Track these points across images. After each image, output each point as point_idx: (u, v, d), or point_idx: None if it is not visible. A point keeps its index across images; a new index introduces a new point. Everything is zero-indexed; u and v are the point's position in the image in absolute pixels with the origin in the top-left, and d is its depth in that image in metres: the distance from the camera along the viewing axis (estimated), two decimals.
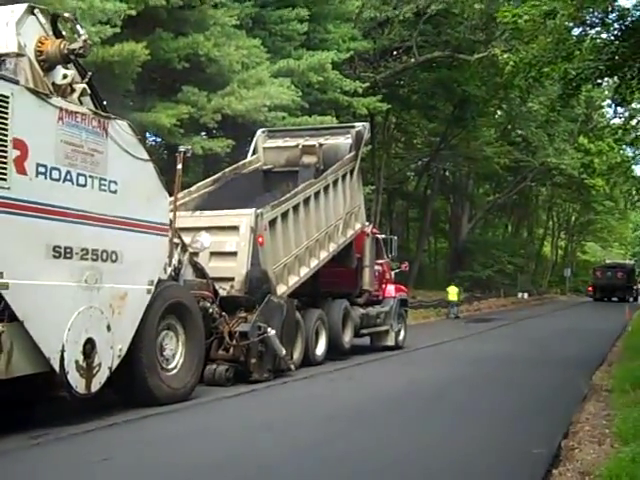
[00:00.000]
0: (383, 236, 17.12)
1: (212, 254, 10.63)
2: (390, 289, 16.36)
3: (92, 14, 15.15)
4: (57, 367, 7.12)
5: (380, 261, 15.79)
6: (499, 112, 39.66)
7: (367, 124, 15.25)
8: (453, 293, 28.87)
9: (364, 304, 14.87)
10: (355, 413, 8.61)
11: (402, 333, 16.47)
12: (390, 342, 15.89)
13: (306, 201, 12.38)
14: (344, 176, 13.78)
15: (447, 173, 43.39)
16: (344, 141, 14.27)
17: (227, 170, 13.70)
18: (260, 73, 20.22)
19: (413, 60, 30.49)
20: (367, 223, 15.51)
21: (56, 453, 6.50)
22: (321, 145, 14.13)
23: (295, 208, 12.00)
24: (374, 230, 15.91)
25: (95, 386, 7.58)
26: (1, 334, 6.61)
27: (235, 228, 10.90)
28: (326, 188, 13.05)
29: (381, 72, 29.50)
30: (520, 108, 34.96)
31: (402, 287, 17.54)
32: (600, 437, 7.00)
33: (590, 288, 56.83)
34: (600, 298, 48.63)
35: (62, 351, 7.15)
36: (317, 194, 12.73)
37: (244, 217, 10.94)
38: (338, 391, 10.44)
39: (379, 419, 8.34)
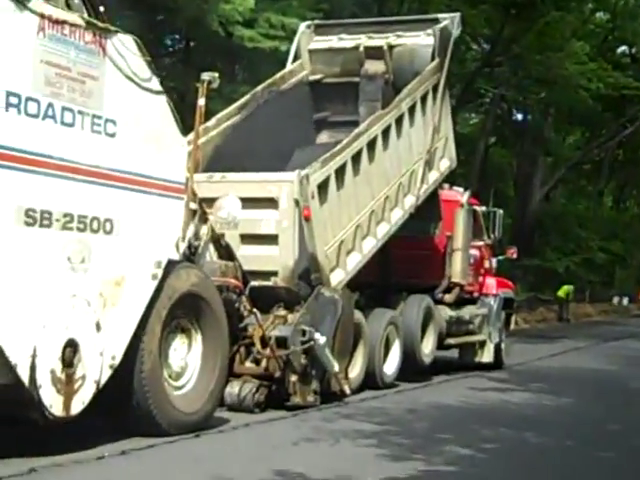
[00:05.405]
0: (484, 208, 17.50)
1: (242, 237, 10.87)
2: (490, 283, 16.82)
3: None
4: (25, 378, 7.31)
5: (478, 243, 16.26)
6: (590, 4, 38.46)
7: (457, 15, 15.22)
8: (566, 291, 35.81)
9: (453, 303, 15.26)
10: None
11: (503, 346, 17.01)
12: (487, 358, 16.49)
13: (371, 144, 12.38)
14: (424, 97, 13.91)
15: (507, 105, 41.29)
16: (423, 41, 14.38)
17: (259, 88, 13.78)
18: None
19: None
20: (461, 189, 15.90)
21: None
22: (391, 47, 14.37)
23: (355, 158, 12.06)
24: (471, 200, 16.18)
25: (76, 406, 7.76)
26: None
27: (272, 201, 11.03)
28: (399, 120, 13.14)
29: None
30: None
31: (506, 281, 18.02)
32: None
33: None
34: None
35: (33, 356, 7.35)
36: (386, 131, 12.79)
37: (284, 184, 11.02)
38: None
39: None
